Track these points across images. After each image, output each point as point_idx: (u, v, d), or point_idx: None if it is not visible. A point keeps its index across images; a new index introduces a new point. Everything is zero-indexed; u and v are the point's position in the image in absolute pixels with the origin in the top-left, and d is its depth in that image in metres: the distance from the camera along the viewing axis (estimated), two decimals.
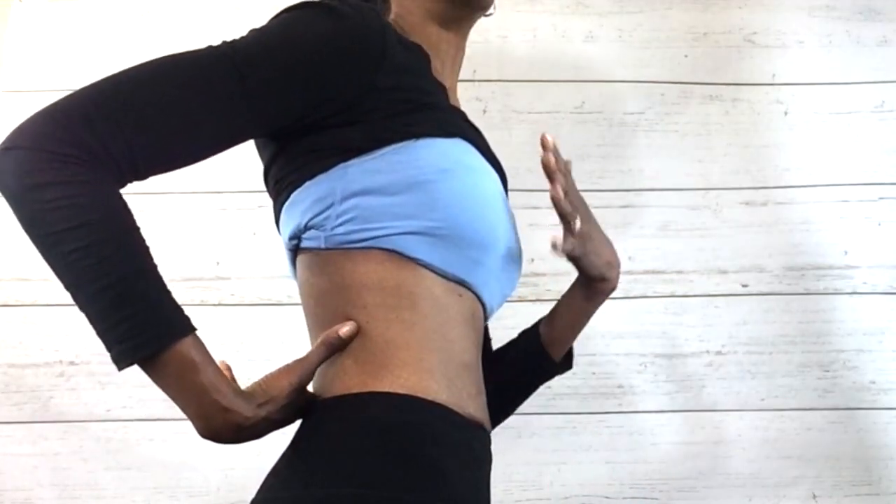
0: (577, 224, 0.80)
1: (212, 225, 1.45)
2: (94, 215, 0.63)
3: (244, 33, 0.74)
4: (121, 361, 0.64)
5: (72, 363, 1.40)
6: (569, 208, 0.79)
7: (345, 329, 0.74)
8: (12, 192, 0.64)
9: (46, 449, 1.38)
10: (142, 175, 0.69)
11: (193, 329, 0.67)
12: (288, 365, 0.73)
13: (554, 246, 0.81)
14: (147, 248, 0.66)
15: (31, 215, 0.64)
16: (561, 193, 0.77)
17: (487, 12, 0.90)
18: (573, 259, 0.85)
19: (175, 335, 0.65)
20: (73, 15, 1.50)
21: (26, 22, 1.50)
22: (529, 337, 0.94)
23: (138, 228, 0.67)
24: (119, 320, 0.63)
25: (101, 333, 0.65)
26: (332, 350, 0.74)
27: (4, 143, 0.65)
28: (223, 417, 0.67)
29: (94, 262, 0.63)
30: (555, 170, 0.77)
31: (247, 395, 0.69)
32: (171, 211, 1.44)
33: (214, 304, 1.42)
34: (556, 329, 0.92)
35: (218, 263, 1.44)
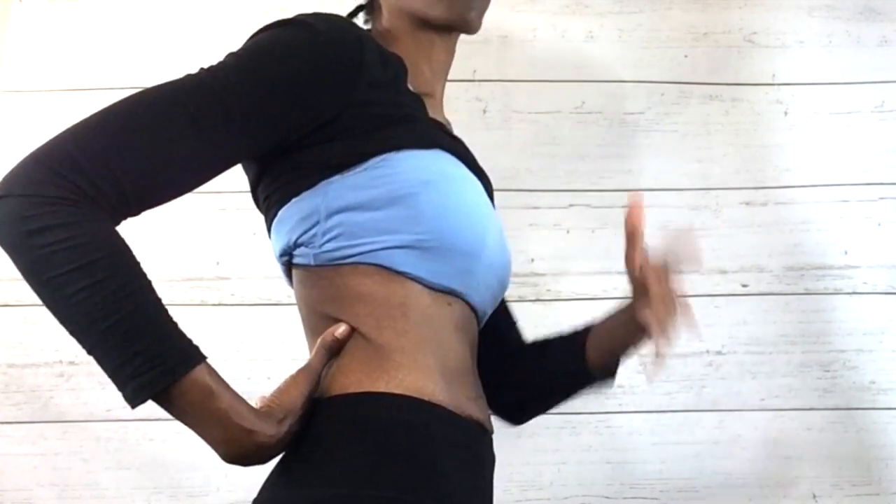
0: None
1: (212, 225, 1.45)
2: (94, 254, 0.63)
3: (222, 58, 0.74)
4: (138, 397, 0.63)
5: (72, 363, 1.40)
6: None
7: (340, 330, 0.75)
8: (9, 241, 0.63)
9: (46, 449, 1.37)
10: (135, 210, 0.69)
11: (205, 356, 0.67)
12: (293, 376, 0.73)
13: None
14: (150, 282, 0.66)
15: (32, 261, 0.63)
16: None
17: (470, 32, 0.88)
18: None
19: (191, 362, 0.65)
20: (73, 15, 1.50)
21: (26, 22, 1.50)
22: (575, 345, 0.93)
23: (139, 263, 0.66)
24: (133, 354, 0.63)
25: (115, 371, 0.64)
26: (332, 352, 0.75)
27: None
28: (248, 440, 0.67)
29: (100, 300, 0.62)
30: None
31: (265, 413, 0.69)
32: (171, 211, 1.43)
33: (214, 304, 1.42)
34: (599, 347, 0.93)
35: (218, 263, 1.44)
